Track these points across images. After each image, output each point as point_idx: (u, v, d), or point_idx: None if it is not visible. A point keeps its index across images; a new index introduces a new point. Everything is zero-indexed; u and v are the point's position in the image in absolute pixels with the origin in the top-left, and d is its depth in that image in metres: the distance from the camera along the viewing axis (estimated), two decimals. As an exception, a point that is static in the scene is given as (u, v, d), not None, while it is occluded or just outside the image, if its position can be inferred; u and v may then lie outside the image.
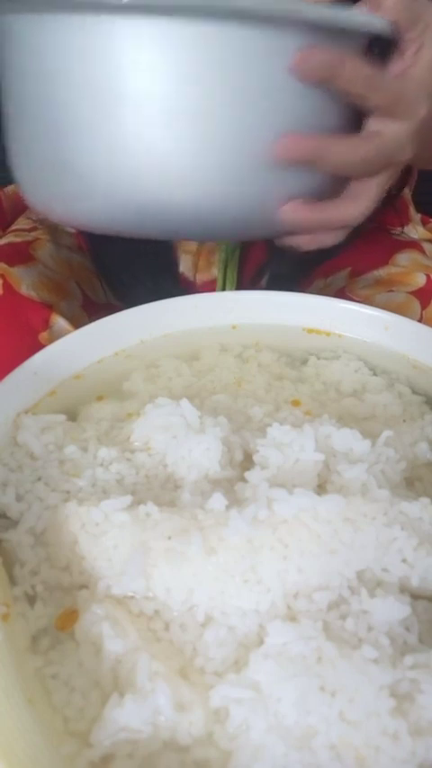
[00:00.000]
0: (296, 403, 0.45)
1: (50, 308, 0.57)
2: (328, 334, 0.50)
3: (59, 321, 0.57)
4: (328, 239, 0.44)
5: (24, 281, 0.58)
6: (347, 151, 0.40)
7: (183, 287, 0.70)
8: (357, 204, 0.43)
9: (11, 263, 0.59)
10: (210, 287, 0.69)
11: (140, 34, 0.37)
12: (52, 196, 0.43)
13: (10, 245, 0.64)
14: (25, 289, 0.58)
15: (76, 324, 0.58)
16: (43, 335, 0.55)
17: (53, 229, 0.68)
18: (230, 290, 0.66)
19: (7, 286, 0.57)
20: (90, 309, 0.64)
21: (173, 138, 0.38)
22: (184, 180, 0.39)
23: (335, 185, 0.43)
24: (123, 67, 0.37)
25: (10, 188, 0.77)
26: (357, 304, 0.50)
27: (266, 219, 0.42)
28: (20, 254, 0.62)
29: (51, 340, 0.55)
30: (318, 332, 0.50)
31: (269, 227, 0.43)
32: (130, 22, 0.36)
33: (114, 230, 0.43)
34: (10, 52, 0.41)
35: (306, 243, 0.44)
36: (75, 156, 0.40)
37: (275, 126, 0.39)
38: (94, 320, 0.63)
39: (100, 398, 0.46)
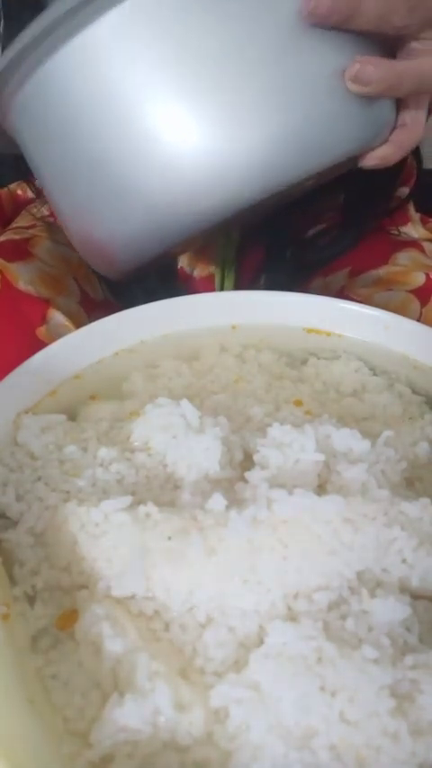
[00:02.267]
0: (298, 403, 0.45)
1: (48, 302, 0.57)
2: (328, 334, 0.50)
3: (57, 316, 0.57)
4: (414, 135, 0.44)
5: (22, 277, 0.58)
6: (409, 68, 0.40)
7: (181, 281, 0.70)
8: (413, 131, 0.43)
9: (9, 260, 0.59)
10: (208, 282, 0.69)
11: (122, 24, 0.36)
12: (122, 229, 0.42)
13: (9, 241, 0.64)
14: (23, 284, 0.58)
15: (74, 320, 0.58)
16: (41, 330, 0.55)
17: (52, 226, 0.68)
18: (229, 289, 0.66)
19: (5, 281, 0.57)
20: (88, 306, 0.64)
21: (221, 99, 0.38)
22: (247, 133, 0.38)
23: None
24: (139, 62, 0.37)
25: (10, 186, 0.77)
26: (357, 304, 0.50)
27: (344, 136, 0.41)
28: (18, 251, 0.62)
29: (49, 335, 0.55)
30: (318, 332, 0.50)
31: (351, 141, 0.42)
32: (105, 19, 0.36)
33: (197, 226, 0.42)
34: (36, 122, 0.41)
35: (392, 153, 0.44)
36: (131, 176, 0.40)
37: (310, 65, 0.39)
38: (91, 317, 0.63)
39: (93, 398, 0.46)
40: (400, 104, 0.43)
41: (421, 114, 0.43)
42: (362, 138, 0.42)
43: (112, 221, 0.42)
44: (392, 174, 0.67)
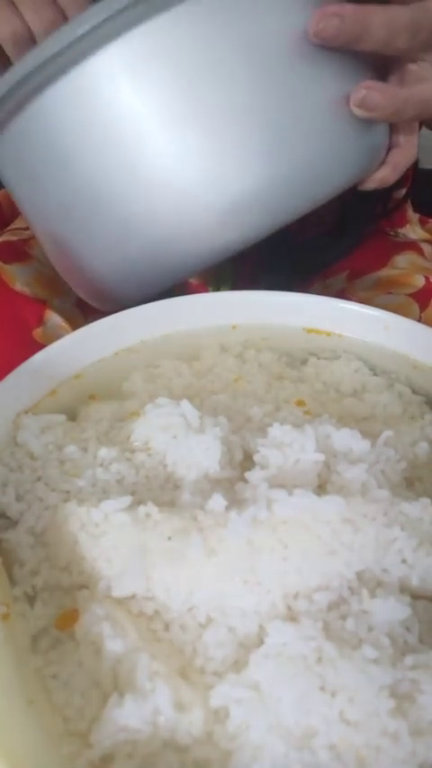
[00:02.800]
0: (301, 403, 0.45)
1: (44, 304, 0.57)
2: (328, 334, 0.50)
3: (54, 317, 0.57)
4: (408, 155, 0.44)
5: (19, 278, 0.58)
6: (413, 95, 0.40)
7: (180, 285, 0.70)
8: (407, 151, 0.44)
9: (6, 261, 0.59)
10: (205, 288, 0.69)
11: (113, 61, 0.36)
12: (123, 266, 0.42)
13: (6, 243, 0.64)
14: (19, 285, 0.58)
15: (71, 321, 0.58)
16: (37, 332, 0.55)
17: None
18: (226, 290, 0.66)
19: (1, 282, 0.57)
20: (84, 307, 0.64)
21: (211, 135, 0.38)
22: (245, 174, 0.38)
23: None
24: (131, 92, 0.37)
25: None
26: (357, 304, 0.50)
27: (341, 166, 0.41)
28: (16, 252, 0.62)
29: (46, 336, 0.55)
30: (318, 332, 0.50)
31: (347, 172, 0.42)
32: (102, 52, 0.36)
33: (194, 267, 0.42)
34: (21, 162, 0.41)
35: (389, 175, 0.44)
36: (133, 215, 0.39)
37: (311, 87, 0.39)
38: (88, 319, 0.63)
39: (93, 398, 0.46)
40: (392, 125, 0.43)
41: (413, 133, 0.44)
42: (363, 164, 0.42)
43: (112, 260, 0.42)
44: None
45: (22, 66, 0.36)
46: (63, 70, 0.36)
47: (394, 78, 0.41)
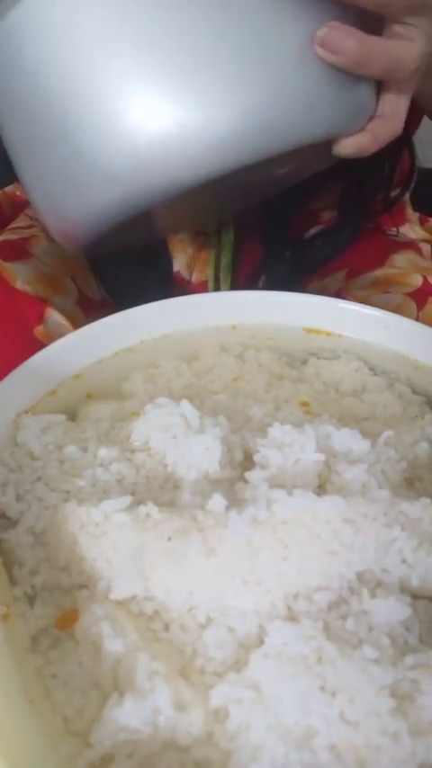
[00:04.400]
0: (304, 404, 0.45)
1: (45, 302, 0.57)
2: (328, 334, 0.50)
3: (54, 315, 0.57)
4: (392, 127, 0.42)
5: (19, 277, 0.58)
6: (381, 47, 0.38)
7: (178, 286, 0.70)
8: (391, 122, 0.42)
9: (7, 259, 0.59)
10: (205, 287, 0.69)
11: None
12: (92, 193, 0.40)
13: (6, 242, 0.64)
14: (20, 283, 0.58)
15: (72, 320, 0.58)
16: (38, 330, 0.55)
17: None
18: (225, 290, 0.66)
19: (2, 281, 0.57)
20: (85, 306, 0.64)
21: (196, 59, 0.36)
22: (219, 104, 0.36)
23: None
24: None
25: (8, 188, 0.77)
26: (357, 304, 0.50)
27: (314, 117, 0.39)
28: (16, 250, 0.63)
29: (46, 334, 0.55)
30: (318, 332, 0.50)
31: (318, 123, 0.39)
32: None
33: (154, 197, 0.39)
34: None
35: (367, 143, 0.42)
36: (90, 140, 0.38)
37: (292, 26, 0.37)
38: (89, 317, 0.63)
39: (89, 396, 0.46)
40: (380, 94, 0.42)
41: (401, 106, 0.42)
42: (334, 122, 0.40)
43: (71, 186, 0.39)
44: (389, 167, 0.67)
45: None
46: None
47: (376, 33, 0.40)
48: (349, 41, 0.37)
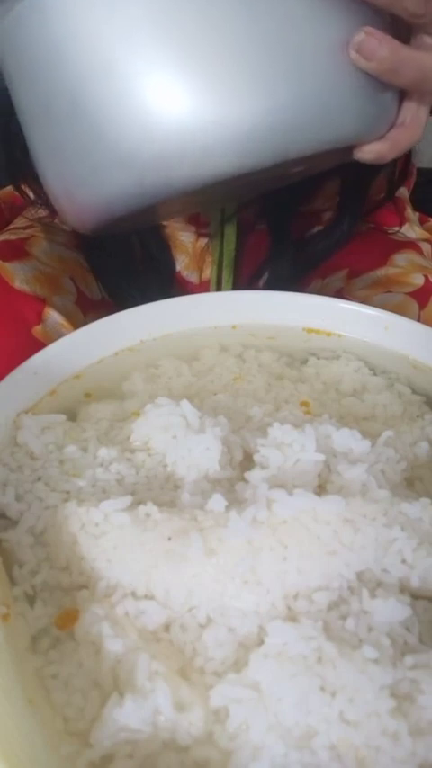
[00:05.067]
0: (305, 404, 0.45)
1: (44, 301, 0.57)
2: (328, 334, 0.50)
3: (53, 315, 0.57)
4: (411, 136, 0.42)
5: (18, 276, 0.58)
6: (414, 58, 0.38)
7: (180, 286, 0.70)
8: (411, 131, 0.42)
9: (5, 259, 0.59)
10: (207, 287, 0.69)
11: None
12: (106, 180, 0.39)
13: (5, 242, 0.64)
14: (19, 283, 0.58)
15: (70, 319, 0.58)
16: (37, 329, 0.55)
17: (49, 227, 0.68)
18: (227, 290, 0.66)
19: (0, 280, 0.57)
20: (84, 306, 0.64)
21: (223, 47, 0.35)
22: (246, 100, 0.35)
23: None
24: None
25: (7, 189, 0.77)
26: (357, 304, 0.50)
27: (340, 119, 0.38)
28: (15, 250, 0.63)
29: (45, 334, 0.55)
30: (318, 332, 0.50)
31: (345, 126, 0.39)
32: None
33: (166, 191, 0.39)
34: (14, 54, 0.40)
35: (387, 151, 0.42)
36: (111, 124, 0.37)
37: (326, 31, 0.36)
38: (88, 317, 0.63)
39: (90, 396, 0.46)
40: (402, 103, 0.42)
41: (422, 116, 0.43)
42: (360, 128, 0.40)
43: (86, 167, 0.38)
44: (389, 163, 0.67)
45: None
46: None
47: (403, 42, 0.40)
48: (384, 49, 0.37)
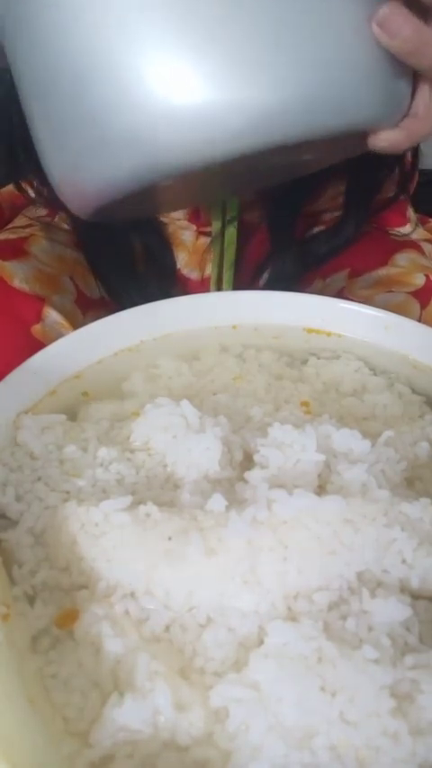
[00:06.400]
0: (306, 404, 0.45)
1: (43, 300, 0.57)
2: (328, 334, 0.50)
3: (52, 314, 0.57)
4: (424, 127, 0.41)
5: (17, 275, 0.58)
6: None
7: (180, 285, 0.70)
8: (425, 122, 0.41)
9: (5, 258, 0.59)
10: (207, 285, 0.69)
11: None
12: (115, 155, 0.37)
13: (5, 241, 0.64)
14: (18, 282, 0.58)
15: (70, 318, 0.58)
16: (36, 328, 0.55)
17: (48, 226, 0.68)
18: (227, 290, 0.66)
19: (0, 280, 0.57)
20: (83, 305, 0.64)
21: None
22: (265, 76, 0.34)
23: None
24: None
25: (6, 188, 0.77)
26: (357, 304, 0.50)
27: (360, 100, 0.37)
28: (14, 249, 0.63)
29: (44, 333, 0.55)
30: (318, 332, 0.50)
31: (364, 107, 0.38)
32: None
33: (177, 167, 0.37)
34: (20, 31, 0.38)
35: (402, 140, 0.41)
36: (117, 102, 0.35)
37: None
38: (87, 316, 0.63)
39: (89, 396, 0.46)
40: (414, 94, 0.41)
41: None
42: (377, 112, 0.38)
43: (91, 141, 0.38)
44: (395, 165, 0.67)
45: None
46: None
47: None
48: (408, 27, 0.35)
